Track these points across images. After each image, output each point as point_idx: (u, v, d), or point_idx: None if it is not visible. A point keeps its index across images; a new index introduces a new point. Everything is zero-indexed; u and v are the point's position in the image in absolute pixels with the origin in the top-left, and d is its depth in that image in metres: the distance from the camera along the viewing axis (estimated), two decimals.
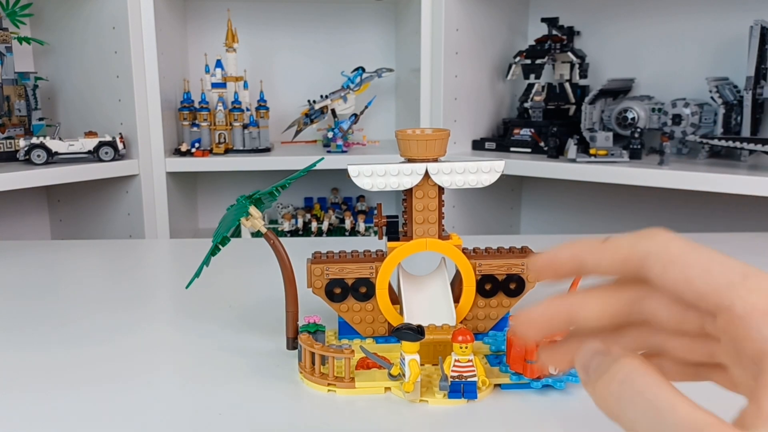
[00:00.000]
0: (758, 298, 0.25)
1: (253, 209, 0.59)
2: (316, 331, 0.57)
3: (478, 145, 1.80)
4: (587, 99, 1.61)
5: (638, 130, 1.57)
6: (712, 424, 0.23)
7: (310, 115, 1.85)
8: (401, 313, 0.61)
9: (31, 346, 0.65)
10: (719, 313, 0.26)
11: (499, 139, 1.78)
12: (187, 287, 0.61)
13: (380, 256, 0.62)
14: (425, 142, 0.58)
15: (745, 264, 0.27)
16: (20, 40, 1.69)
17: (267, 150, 1.73)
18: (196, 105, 1.73)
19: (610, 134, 1.57)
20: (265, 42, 1.95)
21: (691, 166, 1.46)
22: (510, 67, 1.80)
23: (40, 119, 1.68)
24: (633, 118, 1.59)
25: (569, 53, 1.73)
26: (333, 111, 1.83)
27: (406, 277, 0.63)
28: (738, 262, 0.27)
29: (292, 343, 0.62)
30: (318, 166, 0.66)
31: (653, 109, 1.59)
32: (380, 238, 0.62)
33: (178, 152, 1.69)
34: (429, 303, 0.61)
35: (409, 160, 0.60)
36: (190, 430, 0.49)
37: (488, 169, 0.60)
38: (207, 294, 0.78)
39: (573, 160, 1.56)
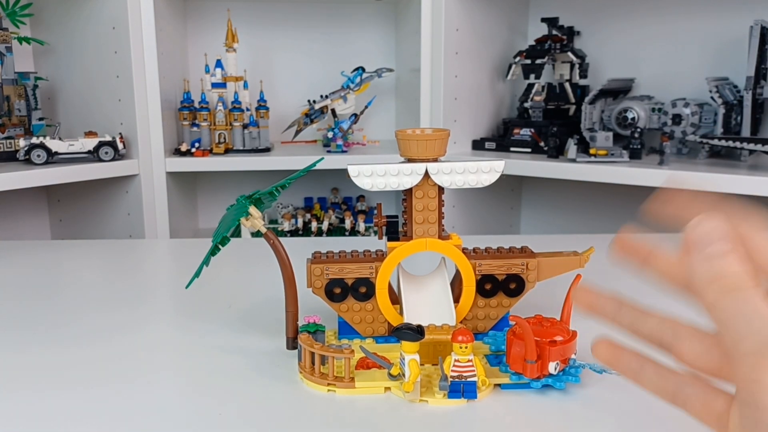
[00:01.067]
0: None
1: (253, 209, 0.59)
2: (316, 331, 0.57)
3: (478, 145, 1.80)
4: (587, 99, 1.61)
5: (638, 130, 1.57)
6: None
7: (310, 115, 1.85)
8: (401, 313, 0.61)
9: (31, 346, 0.65)
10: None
11: (499, 139, 1.78)
12: (187, 287, 0.61)
13: (380, 256, 0.62)
14: (425, 142, 0.58)
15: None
16: (20, 40, 1.69)
17: (267, 150, 1.73)
18: (196, 105, 1.73)
19: (610, 134, 1.57)
20: (265, 42, 1.95)
21: (691, 166, 1.46)
22: (510, 67, 1.80)
23: (40, 119, 1.68)
24: (633, 118, 1.59)
25: (569, 53, 1.73)
26: (333, 111, 1.83)
27: (406, 277, 0.63)
28: None
29: (292, 343, 0.62)
30: (318, 166, 0.66)
31: (653, 109, 1.59)
32: (380, 238, 0.62)
33: (178, 152, 1.69)
34: (429, 303, 0.61)
35: (409, 160, 0.60)
36: (190, 430, 0.49)
37: (488, 169, 0.60)
38: (207, 294, 0.78)
39: (573, 160, 1.56)
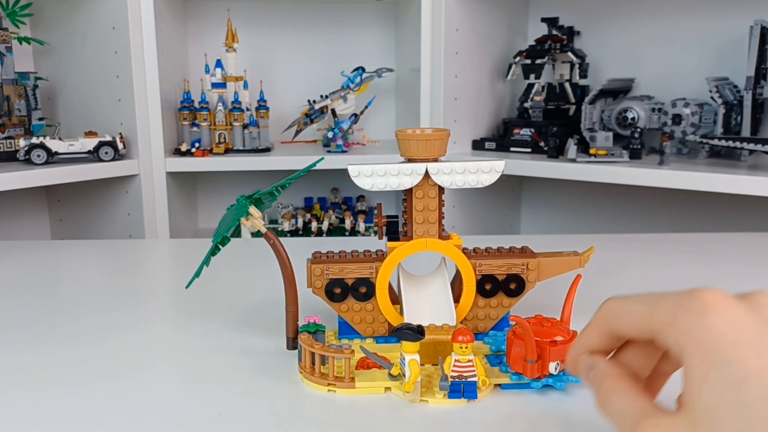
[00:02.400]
0: (663, 314, 0.34)
1: (253, 209, 0.59)
2: (316, 331, 0.57)
3: (478, 145, 1.80)
4: (587, 99, 1.61)
5: (638, 130, 1.57)
6: (648, 413, 0.34)
7: (310, 115, 1.85)
8: (401, 313, 0.61)
9: (31, 345, 0.65)
10: (654, 340, 0.35)
11: (499, 139, 1.78)
12: (187, 287, 0.61)
13: (380, 256, 0.62)
14: (425, 142, 0.58)
15: (660, 293, 0.35)
16: (20, 40, 1.69)
17: (267, 150, 1.73)
18: (196, 105, 1.73)
19: (610, 134, 1.57)
20: (265, 42, 1.95)
21: (691, 166, 1.46)
22: (510, 67, 1.80)
23: (40, 119, 1.68)
24: (633, 118, 1.59)
25: (569, 53, 1.73)
26: (333, 111, 1.83)
27: (406, 277, 0.63)
28: (653, 296, 0.36)
29: (292, 343, 0.62)
30: (318, 166, 0.65)
31: (653, 109, 1.59)
32: (380, 238, 0.62)
33: (178, 152, 1.69)
34: (429, 303, 0.61)
35: (409, 160, 0.60)
36: (190, 430, 0.49)
37: (488, 169, 0.59)
38: (207, 294, 0.78)
39: (573, 160, 1.56)
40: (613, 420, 0.36)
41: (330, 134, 1.77)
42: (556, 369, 0.52)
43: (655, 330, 0.34)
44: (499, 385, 0.54)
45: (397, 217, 0.62)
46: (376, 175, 0.59)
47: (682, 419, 0.32)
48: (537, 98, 1.76)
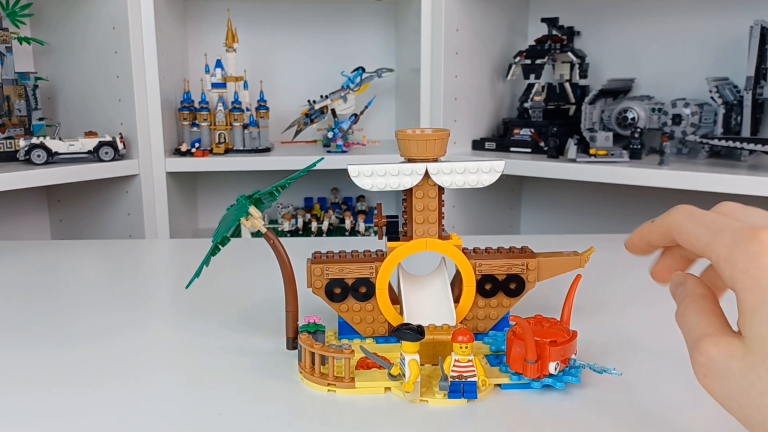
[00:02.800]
0: (722, 248, 0.37)
1: (253, 209, 0.59)
2: (316, 331, 0.57)
3: (478, 145, 1.80)
4: (587, 99, 1.61)
5: (638, 130, 1.57)
6: (711, 332, 0.37)
7: (310, 115, 1.85)
8: (401, 313, 0.61)
9: (31, 345, 0.65)
10: (710, 260, 0.38)
11: (499, 139, 1.78)
12: (187, 287, 0.61)
13: (380, 256, 0.62)
14: (425, 142, 0.58)
15: (723, 220, 0.38)
16: (20, 40, 1.69)
17: (267, 150, 1.73)
18: (196, 105, 1.73)
19: (610, 134, 1.57)
20: (265, 42, 1.95)
21: (691, 166, 1.46)
22: (510, 67, 1.80)
23: (40, 119, 1.68)
24: (633, 118, 1.59)
25: (569, 53, 1.73)
26: (333, 111, 1.83)
27: (406, 277, 0.63)
28: (717, 222, 0.38)
29: (292, 343, 0.62)
30: (318, 166, 0.65)
31: (653, 109, 1.59)
32: (380, 238, 0.62)
33: (178, 152, 1.69)
34: (429, 303, 0.61)
35: (409, 160, 0.59)
36: (190, 430, 0.49)
37: (488, 169, 0.59)
38: (207, 294, 0.78)
39: (573, 160, 1.56)
40: (684, 333, 0.39)
41: (330, 134, 1.77)
42: (556, 369, 0.52)
43: (713, 259, 0.38)
44: (499, 385, 0.54)
45: (397, 217, 0.62)
46: (376, 175, 0.59)
47: (738, 342, 0.35)
48: (537, 98, 1.76)
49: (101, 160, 1.56)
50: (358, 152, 1.78)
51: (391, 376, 0.52)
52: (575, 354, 0.54)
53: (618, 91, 1.69)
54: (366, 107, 1.84)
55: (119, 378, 0.58)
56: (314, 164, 0.64)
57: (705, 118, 1.54)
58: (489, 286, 0.62)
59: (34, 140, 1.51)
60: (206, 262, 0.60)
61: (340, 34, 1.98)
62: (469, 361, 0.51)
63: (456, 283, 0.63)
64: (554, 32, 1.77)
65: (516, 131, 1.75)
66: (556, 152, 1.63)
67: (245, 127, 1.72)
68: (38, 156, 1.51)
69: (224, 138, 1.73)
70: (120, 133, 1.59)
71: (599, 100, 1.63)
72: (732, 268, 0.36)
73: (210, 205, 2.02)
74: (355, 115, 1.82)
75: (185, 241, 1.31)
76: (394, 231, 0.62)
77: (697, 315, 0.39)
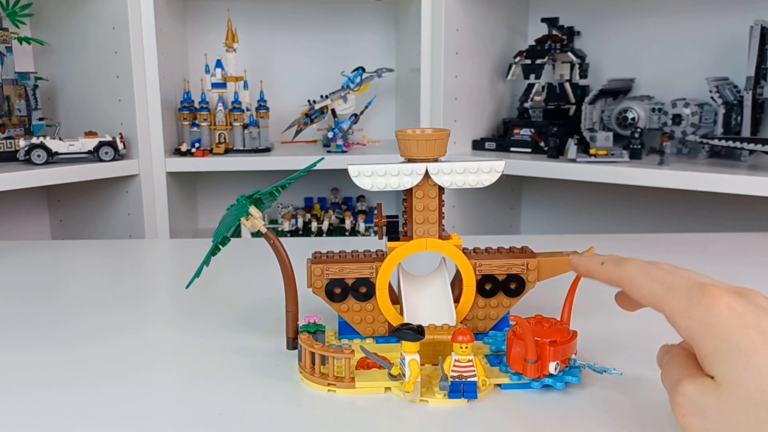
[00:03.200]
0: (676, 303, 0.42)
1: (253, 209, 0.59)
2: (316, 331, 0.57)
3: (478, 145, 1.80)
4: (587, 99, 1.61)
5: (638, 130, 1.57)
6: (689, 375, 0.41)
7: (310, 115, 1.85)
8: (401, 313, 0.61)
9: (31, 345, 0.65)
10: (663, 314, 0.43)
11: (499, 139, 1.78)
12: (187, 287, 0.61)
13: (380, 256, 0.62)
14: (425, 142, 0.58)
15: (673, 276, 0.43)
16: (20, 40, 1.69)
17: (267, 150, 1.73)
18: (196, 105, 1.73)
19: (610, 134, 1.57)
20: (265, 42, 1.95)
21: (691, 166, 1.46)
22: (510, 67, 1.80)
23: (40, 119, 1.68)
24: (633, 118, 1.59)
25: (569, 53, 1.73)
26: (333, 111, 1.83)
27: (406, 277, 0.63)
28: (668, 278, 0.43)
29: (292, 343, 0.62)
30: (318, 166, 0.65)
31: (653, 109, 1.59)
32: (380, 238, 0.62)
33: (178, 152, 1.69)
34: (429, 303, 0.61)
35: (409, 160, 0.59)
36: (190, 430, 0.49)
37: (488, 169, 0.59)
38: (207, 294, 0.78)
39: (573, 160, 1.56)
40: (666, 387, 0.44)
41: (330, 134, 1.77)
42: (556, 369, 0.52)
43: (667, 313, 0.42)
44: (499, 385, 0.54)
45: (397, 217, 0.62)
46: (376, 175, 0.59)
47: (710, 380, 0.40)
48: (537, 98, 1.76)
49: (101, 160, 1.56)
50: (358, 152, 1.78)
51: (391, 376, 0.52)
52: (575, 354, 0.54)
53: (618, 91, 1.69)
54: (366, 107, 1.84)
55: (119, 378, 0.58)
56: (314, 164, 0.64)
57: (705, 118, 1.54)
58: (489, 286, 0.62)
59: (34, 140, 1.51)
60: (206, 262, 0.60)
61: (340, 34, 1.98)
62: (469, 361, 0.51)
63: (456, 283, 0.63)
64: (554, 32, 1.77)
65: (516, 131, 1.75)
66: (556, 152, 1.63)
67: (245, 127, 1.72)
68: (38, 156, 1.51)
69: (224, 138, 1.73)
70: (120, 133, 1.59)
71: (599, 100, 1.63)
72: (689, 320, 0.41)
73: (210, 205, 2.02)
74: (355, 115, 1.82)
75: (185, 241, 1.31)
76: (394, 231, 0.62)
77: (675, 368, 0.43)
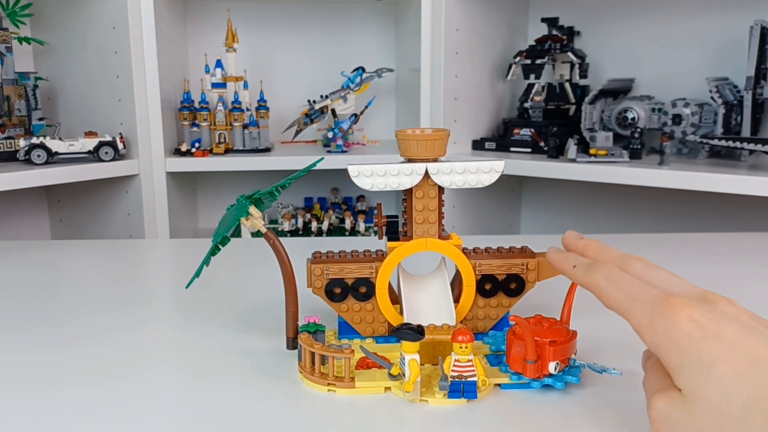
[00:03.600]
0: (641, 316, 0.42)
1: (253, 209, 0.59)
2: (316, 330, 0.57)
3: (478, 145, 1.80)
4: (587, 99, 1.61)
5: (638, 130, 1.57)
6: (662, 388, 0.42)
7: (310, 115, 1.85)
8: (401, 313, 0.61)
9: (31, 346, 0.65)
10: (630, 325, 0.44)
11: (499, 139, 1.78)
12: (187, 287, 0.61)
13: (380, 256, 0.62)
14: (425, 142, 0.58)
15: (639, 287, 0.44)
16: (20, 40, 1.69)
17: (267, 150, 1.73)
18: (196, 105, 1.73)
19: (610, 134, 1.57)
20: (265, 42, 1.95)
21: (691, 166, 1.46)
22: (510, 67, 1.80)
23: (40, 119, 1.68)
24: (633, 118, 1.59)
25: (569, 53, 1.73)
26: (333, 111, 1.83)
27: (406, 277, 0.63)
28: (633, 289, 0.44)
29: (292, 343, 0.62)
30: (318, 166, 0.65)
31: (653, 109, 1.59)
32: (380, 238, 0.62)
33: (178, 152, 1.69)
34: (429, 303, 0.61)
35: (409, 160, 0.60)
36: (190, 430, 0.49)
37: (488, 169, 0.60)
38: (207, 294, 0.78)
39: (573, 160, 1.56)
40: (645, 393, 0.44)
41: (330, 134, 1.77)
42: (555, 369, 0.52)
43: (633, 325, 0.43)
44: (499, 385, 0.54)
45: (397, 217, 0.62)
46: (376, 175, 0.59)
47: (678, 394, 0.40)
48: (537, 98, 1.76)
49: (101, 160, 1.56)
50: (358, 152, 1.78)
51: (391, 376, 0.52)
52: (575, 354, 0.54)
53: (618, 91, 1.69)
54: (366, 107, 1.84)
55: (119, 378, 0.58)
56: (314, 164, 0.64)
57: (705, 118, 1.54)
58: (489, 286, 0.62)
59: (34, 140, 1.51)
60: (206, 262, 0.60)
61: (340, 34, 1.98)
62: (468, 360, 0.51)
63: (456, 283, 0.63)
64: (554, 32, 1.77)
65: (516, 131, 1.75)
66: (556, 152, 1.63)
67: (245, 127, 1.72)
68: (38, 156, 1.51)
69: (224, 138, 1.73)
70: (120, 133, 1.59)
71: (599, 100, 1.63)
72: (652, 334, 0.41)
73: (210, 205, 2.02)
74: (355, 115, 1.82)
75: (185, 241, 1.31)
76: (394, 231, 0.62)
77: (653, 377, 0.44)
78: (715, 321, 0.40)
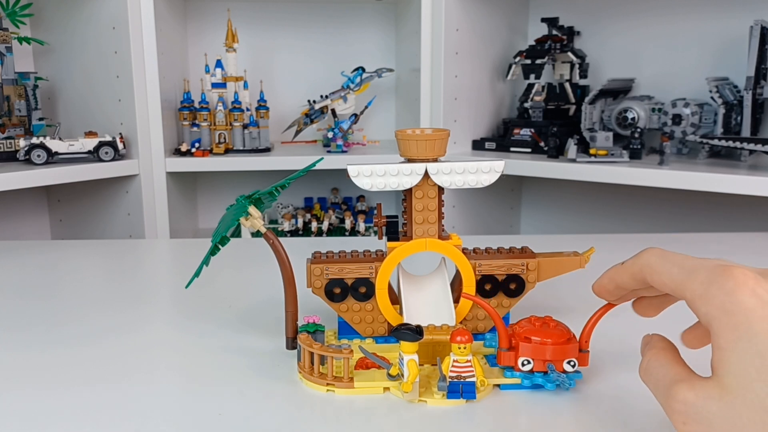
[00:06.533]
0: (697, 286, 0.38)
1: (252, 209, 0.59)
2: (315, 331, 0.57)
3: (478, 145, 1.80)
4: (587, 99, 1.61)
5: (638, 130, 1.57)
6: (682, 378, 0.38)
7: (310, 115, 1.85)
8: (401, 313, 0.61)
9: (31, 346, 0.65)
10: (684, 299, 0.39)
11: (499, 139, 1.78)
12: (186, 287, 0.61)
13: (380, 256, 0.62)
14: (425, 142, 0.58)
15: (694, 260, 0.39)
16: (20, 40, 1.69)
17: (267, 150, 1.73)
18: (196, 105, 1.73)
19: (610, 134, 1.57)
20: (265, 42, 1.95)
21: (691, 166, 1.46)
22: (510, 67, 1.80)
23: (40, 119, 1.68)
24: (633, 118, 1.59)
25: (569, 53, 1.73)
26: (333, 111, 1.83)
27: (405, 277, 0.63)
28: (689, 261, 0.39)
29: (292, 343, 0.62)
30: (318, 166, 0.65)
31: (653, 109, 1.59)
32: (380, 238, 0.62)
33: (178, 152, 1.69)
34: (429, 303, 0.61)
35: (409, 160, 0.59)
36: (190, 430, 0.49)
37: (488, 169, 0.59)
38: (207, 294, 0.78)
39: (573, 160, 1.56)
40: (652, 386, 0.41)
41: (330, 134, 1.77)
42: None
43: (687, 298, 0.38)
44: (498, 385, 0.54)
45: (397, 217, 0.62)
46: (376, 175, 0.59)
47: (713, 383, 0.36)
48: (537, 98, 1.76)
49: (101, 160, 1.56)
50: (358, 152, 1.78)
51: (390, 376, 0.52)
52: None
53: (618, 91, 1.69)
54: (366, 107, 1.84)
55: (119, 378, 0.58)
56: (314, 164, 0.64)
57: (705, 118, 1.54)
58: (489, 287, 0.62)
59: (34, 140, 1.51)
60: (206, 262, 0.60)
61: (340, 34, 1.98)
62: (467, 361, 0.51)
63: (456, 284, 0.63)
64: (554, 32, 1.77)
65: (516, 131, 1.75)
66: (556, 152, 1.63)
67: (245, 127, 1.72)
68: (38, 156, 1.51)
69: (224, 138, 1.73)
70: (120, 133, 1.59)
71: (599, 100, 1.63)
72: (708, 305, 0.37)
73: (210, 205, 2.02)
74: (355, 115, 1.82)
75: (185, 241, 1.31)
76: (394, 231, 0.62)
77: (662, 366, 0.40)
78: None
